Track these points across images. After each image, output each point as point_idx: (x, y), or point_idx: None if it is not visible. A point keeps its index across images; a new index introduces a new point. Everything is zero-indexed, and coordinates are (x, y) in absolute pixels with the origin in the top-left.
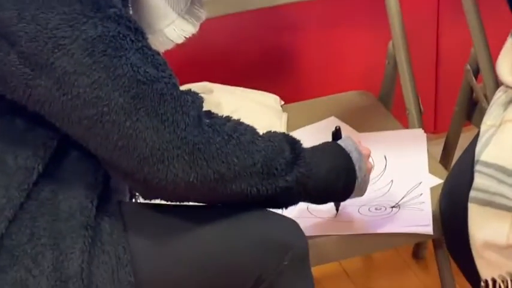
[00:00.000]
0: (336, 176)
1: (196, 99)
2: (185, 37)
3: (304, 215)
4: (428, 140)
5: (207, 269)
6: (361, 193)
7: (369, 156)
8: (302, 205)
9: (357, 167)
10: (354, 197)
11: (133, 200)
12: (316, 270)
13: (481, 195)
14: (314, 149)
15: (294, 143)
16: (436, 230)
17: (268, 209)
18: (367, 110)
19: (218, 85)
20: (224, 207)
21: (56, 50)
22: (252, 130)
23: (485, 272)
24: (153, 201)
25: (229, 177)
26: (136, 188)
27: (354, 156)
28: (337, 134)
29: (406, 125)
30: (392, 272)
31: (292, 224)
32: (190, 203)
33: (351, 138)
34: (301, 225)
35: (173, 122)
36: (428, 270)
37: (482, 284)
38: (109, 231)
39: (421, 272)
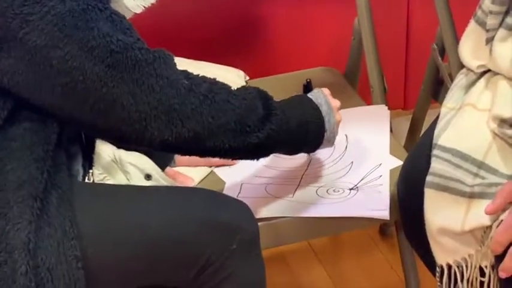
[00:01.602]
0: (305, 130)
1: (167, 59)
2: (144, 7)
3: (261, 194)
4: (398, 116)
5: (151, 250)
6: (330, 145)
7: (338, 108)
8: (260, 185)
9: (326, 120)
10: (323, 148)
11: (87, 176)
12: (282, 247)
13: (437, 180)
14: (285, 103)
15: (267, 100)
16: (394, 214)
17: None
18: (332, 86)
19: (178, 58)
20: (172, 188)
21: (24, 26)
22: (227, 88)
23: (441, 258)
24: (105, 178)
25: (204, 135)
26: (110, 140)
27: (324, 109)
28: (308, 87)
29: (370, 104)
30: (359, 250)
31: (241, 206)
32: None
33: (321, 91)
34: (258, 206)
35: (149, 85)
36: (395, 249)
37: (438, 269)
38: (56, 205)
39: (387, 250)
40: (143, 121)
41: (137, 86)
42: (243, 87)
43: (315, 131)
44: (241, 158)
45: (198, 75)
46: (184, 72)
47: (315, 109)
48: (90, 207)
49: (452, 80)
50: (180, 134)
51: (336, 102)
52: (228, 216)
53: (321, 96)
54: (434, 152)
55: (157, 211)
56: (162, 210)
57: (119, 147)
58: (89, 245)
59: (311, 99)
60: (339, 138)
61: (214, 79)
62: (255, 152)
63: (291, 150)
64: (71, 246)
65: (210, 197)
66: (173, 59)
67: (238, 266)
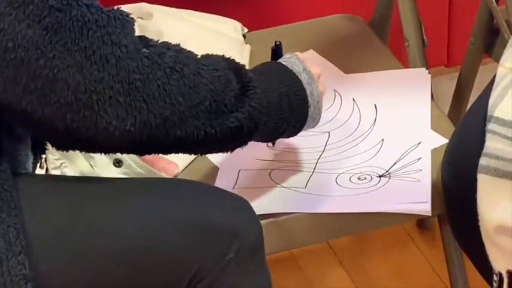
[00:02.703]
0: (287, 106)
1: (125, 22)
2: None
3: (265, 183)
4: (440, 74)
5: (125, 264)
6: (314, 124)
7: (319, 76)
8: (262, 171)
9: (308, 92)
10: (306, 129)
11: (39, 164)
12: None
13: (494, 163)
14: (256, 73)
15: (239, 70)
16: (437, 207)
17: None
18: (354, 40)
19: (160, 7)
20: (150, 180)
21: None
22: (194, 57)
23: (499, 263)
24: (63, 165)
25: (173, 120)
26: (54, 139)
27: (303, 78)
28: (277, 51)
29: (405, 63)
30: (389, 246)
31: (239, 203)
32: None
33: (296, 55)
34: (260, 199)
35: (101, 56)
36: (435, 243)
37: (495, 277)
38: None
39: (426, 245)
40: (95, 105)
41: (86, 58)
42: (206, 54)
43: (298, 107)
44: (217, 151)
45: (158, 41)
46: (143, 38)
47: (294, 79)
48: (43, 209)
49: (511, 29)
50: (145, 123)
51: (316, 69)
52: (223, 217)
53: (297, 62)
54: (490, 126)
55: (132, 212)
56: (137, 211)
57: (64, 150)
58: (42, 261)
59: (287, 67)
60: (367, 109)
61: (178, 45)
62: (233, 138)
63: (270, 134)
64: (17, 263)
65: (199, 192)
66: (133, 23)
67: (237, 279)
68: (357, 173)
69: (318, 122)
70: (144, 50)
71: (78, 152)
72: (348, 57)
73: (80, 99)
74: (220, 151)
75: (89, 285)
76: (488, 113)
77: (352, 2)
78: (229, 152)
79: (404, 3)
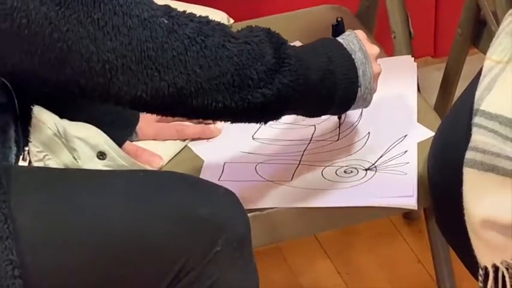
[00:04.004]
0: (331, 84)
1: None
2: None
3: (250, 177)
4: (426, 64)
5: (110, 256)
6: (365, 104)
7: (377, 56)
8: (248, 164)
9: (360, 72)
10: (355, 109)
11: (22, 156)
12: None
13: (480, 156)
14: (304, 49)
15: (279, 44)
16: (423, 201)
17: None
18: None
19: None
20: (135, 172)
21: None
22: (222, 29)
23: (485, 257)
24: (46, 157)
25: (189, 90)
26: (69, 98)
27: (358, 57)
28: (338, 28)
29: (391, 54)
30: (376, 238)
31: (226, 195)
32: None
33: (355, 34)
34: (245, 193)
35: (113, 26)
36: (422, 235)
37: (481, 271)
38: None
39: (412, 237)
40: (108, 73)
41: (98, 29)
42: (248, 27)
43: (345, 86)
44: (242, 121)
45: (185, 12)
46: (165, 7)
47: (346, 57)
48: (27, 200)
49: (497, 20)
50: (157, 90)
51: (373, 49)
52: (210, 209)
53: (355, 40)
54: (476, 119)
55: (116, 205)
56: (122, 203)
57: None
58: (28, 251)
59: (341, 44)
60: None
61: (206, 17)
62: (259, 114)
63: (311, 112)
64: (4, 248)
65: (186, 184)
66: None
67: (224, 273)
68: (343, 166)
69: (369, 103)
70: (162, 19)
71: (61, 144)
72: None
73: (93, 68)
74: (247, 122)
75: (76, 275)
76: (475, 107)
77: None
78: (260, 123)
79: None
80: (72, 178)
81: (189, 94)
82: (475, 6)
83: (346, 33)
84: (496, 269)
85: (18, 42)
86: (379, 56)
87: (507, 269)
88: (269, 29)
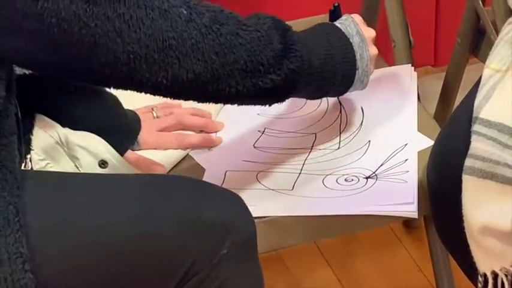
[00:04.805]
0: (332, 68)
1: None
2: None
3: (251, 185)
4: (427, 74)
5: (116, 258)
6: (362, 86)
7: (373, 39)
8: (249, 173)
9: (357, 55)
10: (353, 91)
11: (24, 163)
12: None
13: (479, 164)
14: (306, 34)
15: (285, 31)
16: (423, 208)
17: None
18: None
19: None
20: (141, 176)
21: None
22: (235, 18)
23: (484, 264)
24: (48, 165)
25: (206, 77)
26: (91, 83)
27: (355, 41)
28: (335, 12)
29: (391, 63)
30: (376, 246)
31: (233, 198)
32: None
33: (352, 18)
34: (247, 201)
35: (138, 19)
36: (422, 243)
37: (480, 278)
38: None
39: (413, 245)
40: (132, 62)
41: (124, 22)
42: (255, 15)
43: (344, 69)
44: (250, 104)
45: (201, 1)
46: None
47: (345, 41)
48: (37, 200)
49: (497, 30)
50: (176, 76)
51: (370, 32)
52: (217, 211)
53: (352, 25)
54: (475, 127)
55: (123, 207)
56: (128, 205)
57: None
58: (37, 251)
59: (339, 29)
60: (353, 111)
61: (219, 6)
62: (266, 98)
63: (313, 94)
64: (15, 240)
65: (192, 187)
66: None
67: (231, 275)
68: (344, 175)
69: (366, 85)
70: (182, 9)
71: (63, 152)
72: None
73: (118, 58)
74: (253, 104)
75: (84, 276)
76: (474, 114)
77: (338, 2)
78: (267, 106)
79: (391, 3)
80: (82, 180)
81: (205, 80)
82: (474, 15)
83: (344, 17)
84: (495, 276)
85: (47, 39)
86: (379, 66)
87: (506, 275)
88: (274, 16)
